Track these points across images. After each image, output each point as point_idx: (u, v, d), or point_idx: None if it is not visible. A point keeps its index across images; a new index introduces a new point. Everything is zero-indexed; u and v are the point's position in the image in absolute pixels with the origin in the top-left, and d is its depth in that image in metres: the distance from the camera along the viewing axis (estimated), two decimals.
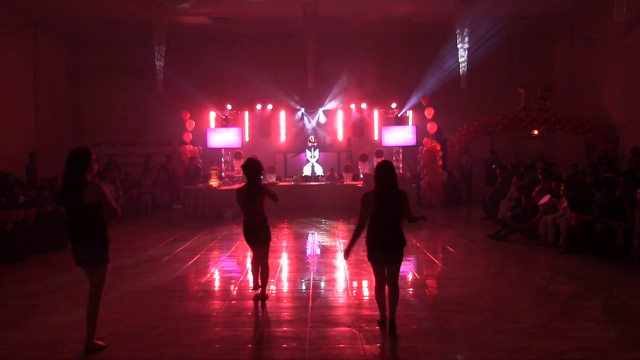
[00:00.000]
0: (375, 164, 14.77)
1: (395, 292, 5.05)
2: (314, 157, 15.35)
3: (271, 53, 17.11)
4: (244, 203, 6.05)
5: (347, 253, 5.16)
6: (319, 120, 16.04)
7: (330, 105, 16.08)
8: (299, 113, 16.11)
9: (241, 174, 14.85)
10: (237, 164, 15.36)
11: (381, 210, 4.89)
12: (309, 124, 16.04)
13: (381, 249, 4.93)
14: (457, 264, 7.96)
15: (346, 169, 15.01)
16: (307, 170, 15.25)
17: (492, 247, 9.24)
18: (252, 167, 6.04)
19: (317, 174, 15.11)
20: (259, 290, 6.29)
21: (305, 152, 15.51)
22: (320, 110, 15.98)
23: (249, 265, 8.06)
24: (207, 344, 4.80)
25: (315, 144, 15.39)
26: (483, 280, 6.98)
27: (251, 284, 6.74)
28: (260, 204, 6.04)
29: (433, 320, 5.37)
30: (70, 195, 4.56)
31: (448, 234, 10.63)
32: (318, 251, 9.16)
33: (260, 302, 6.11)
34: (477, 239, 10.21)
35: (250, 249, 6.47)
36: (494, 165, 13.61)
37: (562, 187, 9.04)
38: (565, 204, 8.79)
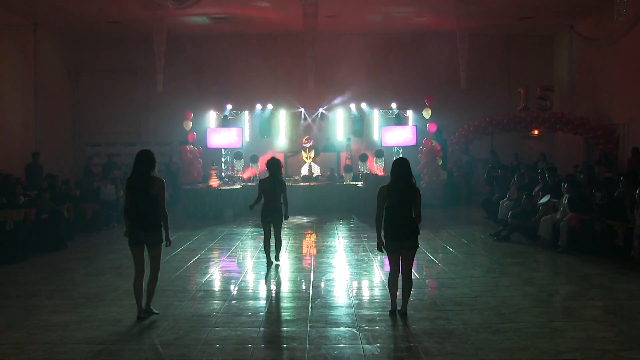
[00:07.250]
0: (372, 164, 14.94)
1: (409, 281, 5.43)
2: (310, 157, 15.33)
3: (271, 53, 17.10)
4: (268, 191, 7.65)
5: (379, 246, 5.46)
6: (319, 120, 16.01)
7: (330, 105, 16.05)
8: (299, 113, 16.07)
9: (241, 174, 15.05)
10: (237, 164, 15.38)
11: (395, 202, 5.29)
12: (308, 123, 15.99)
13: (396, 237, 5.29)
14: (457, 264, 7.95)
15: (346, 169, 14.99)
16: (304, 171, 15.23)
17: (492, 247, 9.23)
18: (276, 165, 7.69)
19: (314, 174, 15.09)
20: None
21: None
22: (321, 110, 15.95)
23: (248, 266, 8.11)
24: (207, 344, 4.80)
25: (312, 144, 15.36)
26: (483, 280, 6.97)
27: (263, 265, 7.86)
28: (279, 193, 7.67)
29: (433, 320, 5.37)
30: (139, 187, 5.31)
31: (448, 234, 10.62)
32: (318, 251, 9.15)
33: (273, 269, 7.55)
34: (477, 239, 10.19)
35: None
36: (499, 170, 13.39)
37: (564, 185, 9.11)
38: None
